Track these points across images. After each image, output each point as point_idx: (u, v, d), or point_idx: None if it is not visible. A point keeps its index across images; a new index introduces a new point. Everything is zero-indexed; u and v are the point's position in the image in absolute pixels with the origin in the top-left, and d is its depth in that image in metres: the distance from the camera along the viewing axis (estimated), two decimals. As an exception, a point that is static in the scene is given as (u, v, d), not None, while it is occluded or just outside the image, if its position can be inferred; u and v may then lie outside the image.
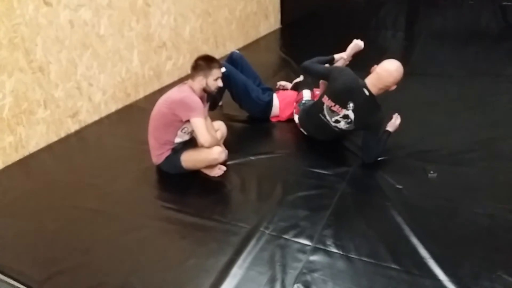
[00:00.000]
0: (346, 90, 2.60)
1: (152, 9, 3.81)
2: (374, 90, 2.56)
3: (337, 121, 2.69)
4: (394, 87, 2.57)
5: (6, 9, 2.68)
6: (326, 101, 2.70)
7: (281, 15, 6.09)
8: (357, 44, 3.19)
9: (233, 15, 5.00)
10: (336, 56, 3.13)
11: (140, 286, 1.86)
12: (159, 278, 1.91)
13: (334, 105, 2.65)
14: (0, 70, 2.70)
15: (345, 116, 2.64)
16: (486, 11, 5.05)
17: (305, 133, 3.01)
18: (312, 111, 2.85)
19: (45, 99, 3.02)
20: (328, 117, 2.71)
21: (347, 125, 2.68)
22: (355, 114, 2.60)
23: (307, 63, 2.94)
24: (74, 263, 2.00)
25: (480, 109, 3.31)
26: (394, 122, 2.79)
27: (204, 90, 2.56)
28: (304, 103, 3.04)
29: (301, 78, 3.46)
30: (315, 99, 2.94)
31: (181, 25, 4.19)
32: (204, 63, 2.51)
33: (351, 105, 2.59)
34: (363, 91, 2.56)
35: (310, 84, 3.17)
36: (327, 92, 2.72)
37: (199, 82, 2.51)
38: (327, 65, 2.96)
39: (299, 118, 3.03)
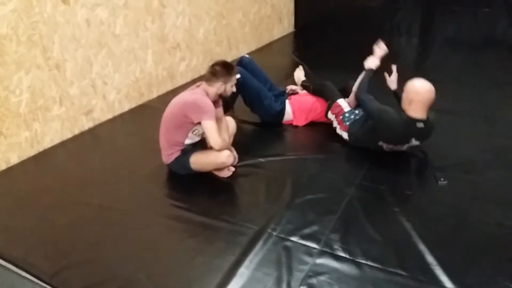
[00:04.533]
0: (405, 133, 2.61)
1: (167, 10, 3.85)
2: (423, 114, 2.56)
3: (407, 148, 2.73)
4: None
5: (25, 6, 2.74)
6: (385, 146, 2.74)
7: (295, 19, 6.09)
8: (382, 47, 3.17)
9: (247, 18, 5.03)
10: (371, 65, 3.06)
11: (148, 283, 1.89)
12: (166, 275, 1.93)
13: (396, 146, 2.72)
14: (18, 67, 2.76)
15: (410, 147, 2.70)
16: (501, 19, 5.00)
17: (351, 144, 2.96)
18: (371, 144, 2.81)
19: (61, 96, 3.08)
20: (384, 147, 2.76)
21: (416, 143, 2.68)
22: (422, 141, 2.67)
23: (365, 98, 2.83)
24: (84, 257, 2.04)
25: (493, 118, 3.28)
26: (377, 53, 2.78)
27: (220, 95, 2.60)
28: (349, 116, 2.97)
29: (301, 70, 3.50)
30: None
31: (195, 27, 4.23)
32: (224, 70, 2.55)
33: (413, 140, 2.64)
34: (419, 127, 2.56)
35: (335, 92, 3.16)
36: (384, 139, 2.71)
37: (218, 87, 2.56)
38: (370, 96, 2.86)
39: (351, 138, 2.93)
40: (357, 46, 5.34)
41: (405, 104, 2.61)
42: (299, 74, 3.69)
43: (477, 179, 2.54)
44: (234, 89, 2.66)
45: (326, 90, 3.22)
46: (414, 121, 2.56)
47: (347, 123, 2.96)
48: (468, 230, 2.14)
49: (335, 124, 3.07)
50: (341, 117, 3.01)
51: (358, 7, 5.62)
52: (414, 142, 2.65)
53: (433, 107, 3.45)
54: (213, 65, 2.59)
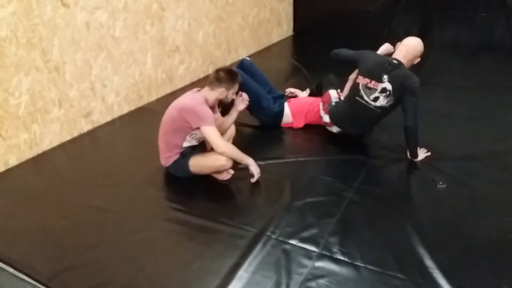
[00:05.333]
0: (377, 64, 2.77)
1: (167, 13, 3.86)
2: (405, 61, 2.78)
3: (376, 99, 2.77)
4: (418, 60, 2.81)
5: (25, 9, 2.75)
6: (362, 80, 2.82)
7: (294, 23, 6.12)
8: (388, 47, 3.21)
9: (246, 21, 5.05)
10: None
11: (146, 285, 1.89)
12: (165, 278, 1.93)
13: (370, 81, 2.77)
14: (17, 69, 2.77)
15: (383, 90, 2.73)
16: (499, 23, 5.03)
17: (337, 129, 3.04)
18: (349, 99, 2.92)
19: (60, 99, 3.08)
20: (366, 97, 2.80)
21: (387, 99, 2.75)
22: (392, 85, 2.71)
23: (336, 50, 3.16)
24: (82, 260, 2.04)
25: (491, 121, 3.30)
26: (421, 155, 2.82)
27: (220, 100, 2.60)
28: (333, 104, 3.07)
29: (307, 92, 3.54)
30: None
31: (194, 30, 4.24)
32: (228, 77, 2.58)
33: (385, 77, 2.71)
34: (393, 62, 2.74)
35: (333, 84, 3.25)
36: (360, 72, 2.88)
37: (220, 93, 2.57)
38: None
39: (331, 115, 3.05)
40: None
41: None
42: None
43: (476, 182, 2.55)
44: (234, 97, 2.71)
45: (324, 81, 3.32)
46: (393, 58, 2.78)
47: (330, 107, 3.08)
48: (467, 234, 2.15)
49: (321, 113, 3.14)
50: (327, 105, 3.10)
51: (356, 11, 5.65)
52: (386, 82, 2.71)
53: (430, 110, 3.49)
54: (218, 71, 2.60)
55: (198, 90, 2.60)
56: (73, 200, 2.50)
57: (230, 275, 1.92)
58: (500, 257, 2.00)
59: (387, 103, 2.76)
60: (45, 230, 2.27)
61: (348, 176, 2.66)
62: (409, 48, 2.78)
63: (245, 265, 1.97)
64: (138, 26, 3.60)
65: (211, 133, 2.46)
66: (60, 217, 2.35)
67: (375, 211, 2.35)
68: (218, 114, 2.74)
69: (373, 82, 2.76)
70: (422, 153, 2.81)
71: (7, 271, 1.99)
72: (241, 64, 3.33)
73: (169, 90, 4.06)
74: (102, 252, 2.10)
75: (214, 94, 2.57)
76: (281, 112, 3.25)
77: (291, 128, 3.28)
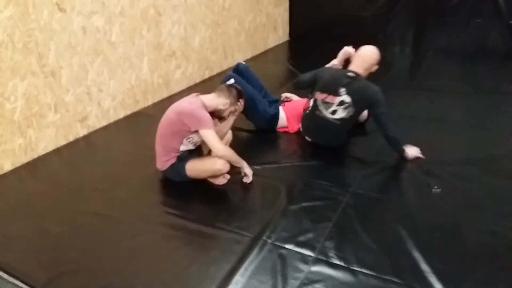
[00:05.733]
0: (333, 79, 2.81)
1: (163, 18, 3.87)
2: (362, 71, 2.77)
3: (334, 112, 2.79)
4: (376, 67, 2.84)
5: (22, 14, 2.75)
6: (319, 95, 2.87)
7: (290, 28, 6.14)
8: (347, 50, 3.25)
9: (242, 27, 5.07)
10: (328, 64, 3.24)
11: (143, 291, 1.88)
12: (161, 283, 1.93)
13: (327, 96, 2.81)
14: (13, 74, 2.76)
15: (341, 103, 2.75)
16: (493, 29, 5.07)
17: (309, 139, 3.07)
18: (310, 113, 2.97)
19: (56, 103, 3.08)
20: (324, 112, 2.83)
21: (346, 111, 2.77)
22: (351, 96, 2.74)
23: (296, 79, 3.20)
24: (78, 266, 2.03)
25: (485, 126, 3.32)
26: (412, 151, 2.83)
27: (216, 112, 2.63)
28: (307, 112, 3.09)
29: None
30: None
31: (191, 35, 4.25)
32: (237, 93, 2.65)
33: (342, 90, 2.74)
34: (350, 75, 2.78)
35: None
36: (317, 88, 2.90)
37: (223, 103, 2.61)
38: None
39: (301, 125, 3.11)
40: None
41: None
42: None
43: (470, 186, 2.56)
44: (228, 115, 2.70)
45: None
46: (349, 70, 2.81)
47: (302, 116, 3.13)
48: (462, 238, 2.16)
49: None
50: (303, 112, 3.13)
51: (352, 16, 5.68)
52: (344, 95, 2.74)
53: (425, 115, 3.51)
54: (231, 84, 2.72)
55: (197, 95, 2.61)
56: (68, 205, 2.49)
57: (226, 280, 1.92)
58: (495, 261, 2.01)
59: (347, 114, 2.79)
60: (41, 235, 2.26)
61: (344, 180, 2.67)
62: (364, 58, 2.82)
63: (241, 270, 1.97)
64: (134, 31, 3.60)
65: (210, 137, 2.46)
66: (55, 222, 2.34)
67: (371, 215, 2.36)
68: (216, 120, 2.74)
69: (329, 96, 2.81)
70: (413, 150, 2.83)
71: (2, 277, 1.98)
72: (237, 68, 3.34)
73: (165, 94, 4.06)
74: (98, 257, 2.09)
75: (216, 101, 2.59)
76: (276, 115, 3.26)
77: (286, 132, 3.29)
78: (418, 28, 5.47)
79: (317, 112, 2.89)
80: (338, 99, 2.77)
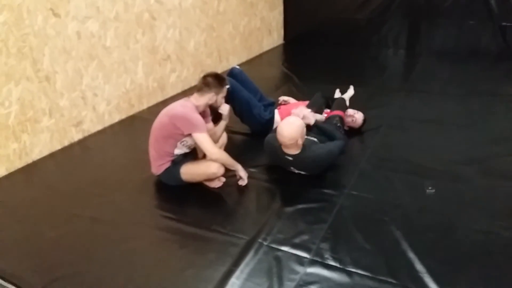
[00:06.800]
0: (280, 161, 2.73)
1: (158, 22, 3.88)
2: (294, 150, 2.60)
3: (301, 174, 2.73)
4: (300, 139, 2.55)
5: (16, 19, 2.75)
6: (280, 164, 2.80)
7: (284, 31, 6.17)
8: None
9: (237, 30, 5.09)
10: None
11: (138, 294, 1.88)
12: (157, 287, 1.92)
13: (286, 167, 2.74)
14: (7, 78, 2.76)
15: (299, 174, 2.72)
16: (486, 31, 5.11)
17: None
18: None
19: (50, 108, 3.07)
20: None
21: (311, 172, 2.71)
22: (305, 171, 2.70)
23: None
24: (73, 270, 2.02)
25: (478, 127, 3.34)
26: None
27: (210, 105, 2.62)
28: None
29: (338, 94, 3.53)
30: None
31: (185, 39, 4.26)
32: (216, 81, 2.60)
33: (293, 168, 2.70)
34: (288, 159, 2.63)
35: (317, 106, 3.22)
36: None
37: (210, 98, 2.59)
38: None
39: None
40: (345, 58, 5.45)
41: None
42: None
43: (464, 187, 2.57)
44: (223, 101, 2.71)
45: (310, 101, 3.29)
46: (284, 153, 2.63)
47: None
48: (457, 238, 2.17)
49: None
50: None
51: (346, 20, 5.71)
52: (295, 170, 2.70)
53: (419, 117, 3.54)
54: (205, 76, 2.62)
55: (188, 99, 2.61)
56: (63, 209, 2.48)
57: (222, 282, 1.92)
58: (489, 260, 2.02)
59: (315, 171, 2.70)
60: (35, 240, 2.25)
61: (339, 182, 2.68)
62: (285, 143, 2.57)
63: (237, 273, 1.97)
64: (129, 35, 3.61)
65: (204, 140, 2.47)
66: (50, 227, 2.33)
67: (366, 216, 2.36)
68: (211, 124, 2.75)
69: (288, 168, 2.73)
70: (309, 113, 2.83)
71: (-3, 282, 1.98)
72: (231, 73, 3.35)
73: (160, 98, 4.07)
74: (93, 262, 2.09)
75: (203, 99, 2.59)
76: (271, 119, 3.27)
77: (282, 136, 3.29)
78: (412, 30, 5.51)
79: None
80: (296, 171, 2.72)
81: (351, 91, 3.59)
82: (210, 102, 2.61)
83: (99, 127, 3.50)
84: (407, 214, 2.36)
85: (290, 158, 2.63)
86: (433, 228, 2.24)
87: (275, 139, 2.64)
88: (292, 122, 2.58)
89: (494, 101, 3.86)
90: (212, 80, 2.59)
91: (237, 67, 3.47)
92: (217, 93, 2.61)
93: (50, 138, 3.11)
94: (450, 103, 3.83)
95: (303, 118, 2.79)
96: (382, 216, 2.34)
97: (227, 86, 2.73)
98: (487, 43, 5.15)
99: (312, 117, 2.90)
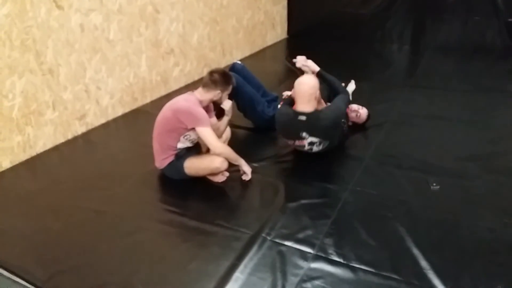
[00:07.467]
0: (289, 126, 2.73)
1: (161, 15, 3.86)
2: (310, 106, 2.65)
3: (310, 149, 2.75)
4: (318, 92, 2.71)
5: (19, 11, 2.73)
6: (288, 142, 2.85)
7: (288, 26, 6.14)
8: (286, 93, 3.21)
9: (240, 24, 5.06)
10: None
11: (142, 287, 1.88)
12: (160, 280, 1.93)
13: (294, 142, 2.75)
14: (11, 71, 2.75)
15: (311, 143, 2.71)
16: (491, 27, 5.08)
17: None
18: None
19: (54, 101, 3.07)
20: (302, 149, 2.79)
21: (321, 145, 2.72)
22: (317, 136, 2.67)
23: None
24: (77, 262, 2.03)
25: (483, 123, 3.33)
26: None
27: (214, 101, 2.62)
28: None
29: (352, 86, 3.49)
30: None
31: (189, 32, 4.24)
32: (223, 79, 2.60)
33: (304, 134, 2.67)
34: (301, 119, 2.64)
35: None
36: (282, 136, 2.90)
37: (215, 95, 2.59)
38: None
39: None
40: (349, 53, 5.42)
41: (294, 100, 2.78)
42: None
43: (469, 184, 2.57)
44: (227, 97, 2.72)
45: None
46: (298, 112, 2.66)
47: None
48: (461, 235, 2.16)
49: None
50: None
51: (350, 14, 5.68)
52: (309, 138, 2.67)
53: (424, 112, 3.52)
54: (212, 73, 2.61)
55: (192, 93, 2.60)
56: (67, 202, 2.48)
57: (226, 277, 1.92)
58: (493, 257, 2.01)
59: (323, 147, 2.74)
60: (39, 232, 2.25)
61: (343, 178, 2.68)
62: (303, 94, 2.66)
63: (241, 267, 1.97)
64: (132, 29, 3.59)
65: (207, 134, 2.46)
66: (54, 219, 2.34)
67: (370, 212, 2.36)
68: (214, 119, 2.74)
69: (297, 141, 2.74)
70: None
71: (1, 274, 1.98)
72: (233, 68, 3.33)
73: (163, 92, 4.06)
74: (97, 254, 2.09)
75: (208, 95, 2.58)
76: (275, 116, 3.25)
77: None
78: (416, 26, 5.47)
79: (297, 147, 2.82)
80: (306, 141, 2.71)
81: (352, 86, 3.54)
82: (215, 98, 2.61)
83: (102, 120, 3.49)
84: (411, 210, 2.36)
85: (303, 118, 2.63)
86: (438, 225, 2.24)
87: (288, 107, 2.75)
88: (310, 76, 2.78)
89: (499, 97, 3.84)
90: (219, 78, 2.58)
91: (239, 62, 3.45)
92: (222, 91, 2.61)
93: (53, 131, 3.11)
94: (454, 99, 3.81)
95: (308, 65, 2.98)
96: (386, 212, 2.34)
97: (233, 84, 2.72)
98: (492, 39, 5.11)
99: (317, 67, 3.00)
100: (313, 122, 2.63)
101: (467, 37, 5.20)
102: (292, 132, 2.72)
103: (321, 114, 2.66)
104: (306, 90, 2.66)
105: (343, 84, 3.30)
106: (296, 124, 2.66)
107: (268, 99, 3.35)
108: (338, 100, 2.81)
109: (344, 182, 2.61)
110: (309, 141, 2.69)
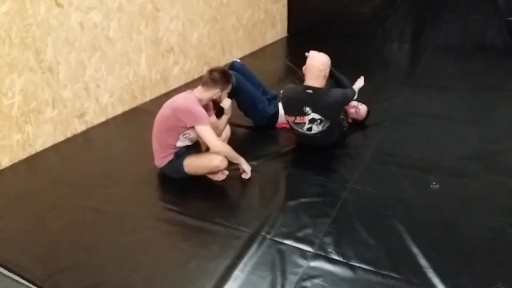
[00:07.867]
0: (295, 100, 2.79)
1: (161, 14, 3.86)
2: (318, 83, 2.73)
3: (309, 129, 2.78)
4: (328, 70, 2.79)
5: (19, 9, 2.73)
6: (289, 118, 2.88)
7: (288, 24, 6.13)
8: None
9: (240, 23, 5.06)
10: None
11: (142, 286, 1.88)
12: (160, 279, 1.93)
13: (295, 118, 2.79)
14: (10, 69, 2.75)
15: (312, 120, 2.74)
16: (491, 26, 5.07)
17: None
18: (291, 129, 2.98)
19: (53, 99, 3.06)
20: (300, 130, 2.83)
21: (321, 125, 2.75)
22: (319, 113, 2.72)
23: None
24: (77, 261, 2.03)
25: (483, 123, 3.33)
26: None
27: (213, 99, 2.61)
28: None
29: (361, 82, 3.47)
30: None
31: (189, 31, 4.24)
32: (223, 78, 2.59)
33: (307, 109, 2.72)
34: (308, 92, 2.73)
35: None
36: (285, 111, 2.92)
37: (214, 93, 2.59)
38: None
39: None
40: (349, 51, 5.42)
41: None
42: None
43: (469, 183, 2.56)
44: (226, 96, 2.71)
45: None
46: (306, 87, 2.75)
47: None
48: (460, 234, 2.16)
49: None
50: None
51: (350, 13, 5.67)
52: (311, 114, 2.72)
53: (423, 111, 3.52)
54: (212, 71, 2.59)
55: (191, 92, 2.60)
56: (66, 201, 2.48)
57: (225, 275, 1.92)
58: (492, 256, 2.01)
59: (323, 127, 2.77)
60: (39, 231, 2.25)
61: (342, 176, 2.67)
62: (311, 69, 2.76)
63: (240, 266, 1.97)
64: (132, 27, 3.59)
65: (207, 133, 2.46)
66: (53, 218, 2.34)
67: (369, 211, 2.36)
68: (214, 117, 2.74)
69: (298, 117, 2.79)
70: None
71: (1, 273, 1.98)
72: (232, 67, 3.32)
73: (163, 90, 4.05)
74: (97, 253, 2.09)
75: (208, 94, 2.57)
76: (276, 114, 3.25)
77: (285, 129, 3.28)
78: (417, 25, 5.47)
79: (295, 131, 2.89)
80: (307, 118, 2.74)
81: (361, 82, 3.49)
82: (214, 97, 2.60)
83: (102, 118, 3.49)
84: (411, 209, 2.36)
85: (310, 91, 2.71)
86: (437, 224, 2.24)
87: (297, 86, 2.87)
88: (323, 54, 2.82)
89: (499, 96, 3.84)
90: (219, 77, 2.57)
91: (238, 60, 3.45)
92: (222, 90, 2.61)
93: (53, 129, 3.11)
94: (454, 98, 3.81)
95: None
96: (386, 210, 2.34)
97: (233, 82, 2.72)
98: (492, 38, 5.11)
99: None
100: (318, 97, 2.70)
101: (467, 36, 5.19)
102: (296, 106, 2.77)
103: (327, 92, 2.76)
104: (317, 66, 2.74)
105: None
106: (303, 98, 2.73)
107: (268, 97, 3.35)
108: (346, 89, 2.89)
109: (344, 180, 2.61)
110: (310, 118, 2.73)
